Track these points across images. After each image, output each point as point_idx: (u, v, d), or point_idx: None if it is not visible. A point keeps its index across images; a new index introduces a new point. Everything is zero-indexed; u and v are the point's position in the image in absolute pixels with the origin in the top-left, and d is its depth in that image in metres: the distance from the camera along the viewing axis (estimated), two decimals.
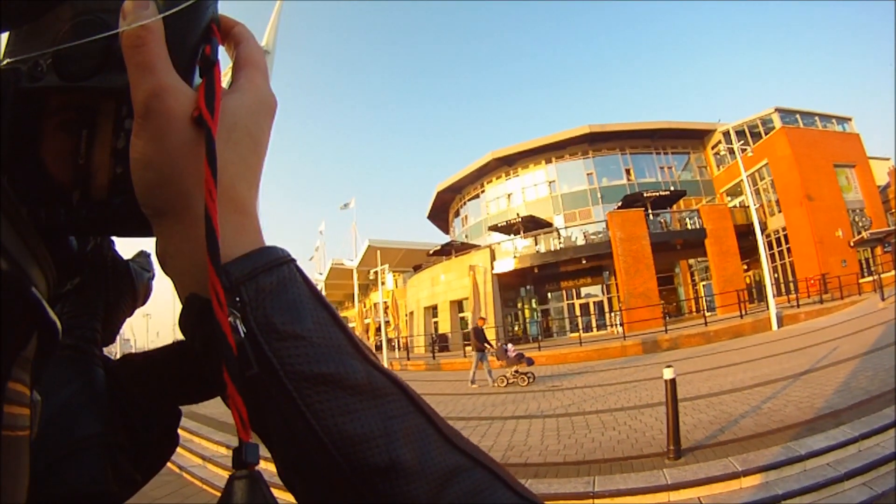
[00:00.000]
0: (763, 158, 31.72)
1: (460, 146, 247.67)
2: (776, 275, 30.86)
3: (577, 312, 32.62)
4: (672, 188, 32.97)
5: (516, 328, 34.72)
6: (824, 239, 28.70)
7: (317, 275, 47.16)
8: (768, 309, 20.08)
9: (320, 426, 0.35)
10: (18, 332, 0.29)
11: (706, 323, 21.81)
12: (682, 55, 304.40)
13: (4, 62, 0.41)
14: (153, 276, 0.64)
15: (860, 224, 29.94)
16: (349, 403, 0.36)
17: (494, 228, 34.04)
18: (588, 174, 36.22)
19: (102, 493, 0.43)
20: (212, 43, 0.45)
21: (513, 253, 31.46)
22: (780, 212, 31.66)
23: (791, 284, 28.07)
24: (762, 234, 22.64)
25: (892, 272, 25.01)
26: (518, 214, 33.13)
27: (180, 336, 0.43)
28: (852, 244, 29.40)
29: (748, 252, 29.12)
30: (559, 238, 31.23)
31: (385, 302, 32.09)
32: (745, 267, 31.22)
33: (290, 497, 0.41)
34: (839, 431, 6.18)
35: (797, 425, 6.60)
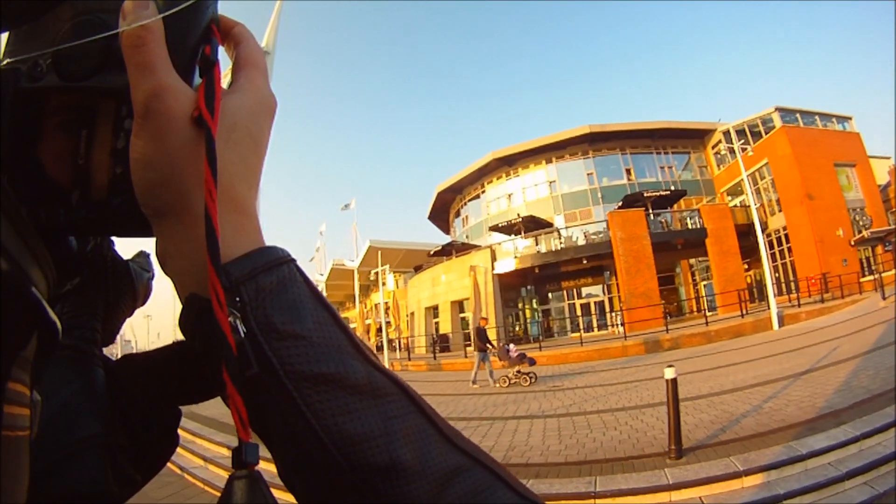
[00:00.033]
0: (763, 158, 31.71)
1: (460, 146, 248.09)
2: (777, 274, 30.86)
3: (578, 312, 32.60)
4: (672, 188, 32.93)
5: (517, 328, 34.72)
6: (825, 238, 28.68)
7: (318, 275, 47.25)
8: (769, 308, 20.07)
9: (320, 426, 0.35)
10: (18, 332, 0.29)
11: (707, 322, 21.80)
12: (682, 55, 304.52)
13: (4, 62, 0.41)
14: (153, 276, 0.64)
15: (861, 223, 29.92)
16: (349, 403, 0.36)
17: (495, 229, 34.01)
18: (588, 174, 36.21)
19: (102, 494, 0.43)
20: (212, 43, 0.45)
21: (513, 253, 31.44)
22: (780, 211, 31.65)
23: (792, 284, 28.04)
24: (763, 233, 22.65)
25: (893, 271, 25.02)
26: (518, 214, 33.11)
27: (181, 337, 0.43)
28: (853, 243, 29.39)
29: (749, 251, 29.12)
30: (560, 238, 31.21)
31: (386, 302, 32.08)
32: (746, 266, 31.21)
33: (290, 497, 0.41)
34: (840, 431, 6.18)
35: (798, 425, 6.59)
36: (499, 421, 9.61)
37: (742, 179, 24.64)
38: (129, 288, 0.59)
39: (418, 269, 40.29)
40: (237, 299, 0.37)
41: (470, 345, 26.27)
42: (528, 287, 34.49)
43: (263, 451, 0.37)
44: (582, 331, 28.16)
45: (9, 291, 0.28)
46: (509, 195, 38.97)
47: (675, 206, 33.04)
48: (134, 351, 0.54)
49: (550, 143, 36.00)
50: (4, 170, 0.40)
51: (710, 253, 29.04)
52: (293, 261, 0.41)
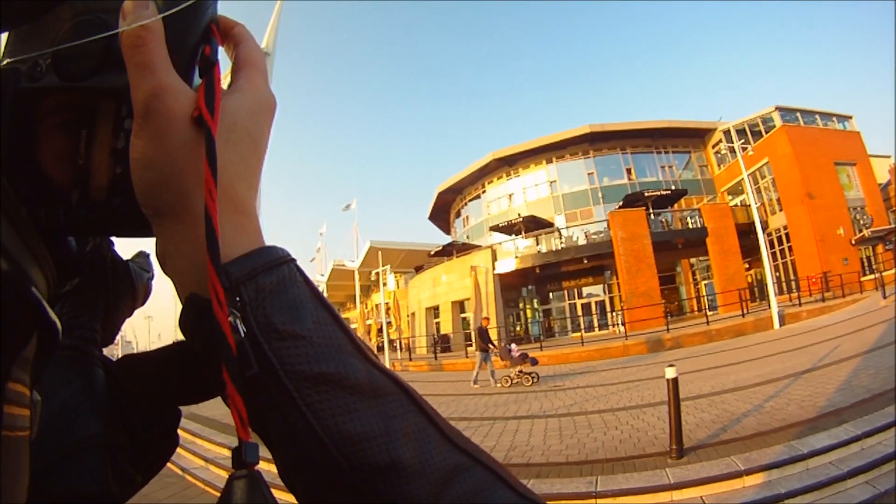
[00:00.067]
0: (764, 157, 31.71)
1: (461, 147, 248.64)
2: (778, 273, 30.86)
3: (579, 312, 32.61)
4: (673, 187, 32.89)
5: (518, 328, 34.74)
6: (825, 237, 28.67)
7: (318, 276, 47.38)
8: (770, 307, 20.05)
9: (320, 426, 0.35)
10: (18, 332, 0.29)
11: (708, 322, 21.80)
12: (682, 54, 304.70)
13: (4, 62, 0.41)
14: (152, 276, 0.64)
15: (861, 222, 29.90)
16: (349, 403, 0.36)
17: (496, 229, 34.01)
18: (589, 174, 36.19)
19: (102, 494, 0.43)
20: (211, 43, 0.45)
21: (514, 253, 31.43)
22: (781, 210, 31.64)
23: (793, 283, 28.01)
24: (763, 232, 22.64)
25: (894, 270, 25.02)
26: (519, 214, 33.11)
27: (181, 337, 0.43)
28: (853, 242, 29.37)
29: (749, 251, 29.12)
30: (560, 238, 31.20)
31: (387, 303, 32.06)
32: (747, 265, 31.19)
33: (290, 497, 0.41)
34: (841, 430, 6.18)
35: (799, 424, 6.59)
36: (500, 421, 9.61)
37: (742, 179, 24.61)
38: (128, 288, 0.59)
39: (419, 269, 40.32)
40: (237, 299, 0.37)
41: (471, 345, 26.28)
42: (529, 287, 34.50)
43: (263, 451, 0.37)
44: (583, 330, 28.16)
45: (9, 291, 0.27)
46: (510, 195, 38.96)
47: (676, 206, 33.05)
48: (135, 352, 0.54)
49: (551, 142, 35.99)
50: (4, 170, 0.40)
51: (710, 252, 29.04)
52: (293, 261, 0.41)
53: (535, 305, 35.15)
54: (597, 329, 31.12)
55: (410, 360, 28.42)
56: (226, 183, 0.40)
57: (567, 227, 33.00)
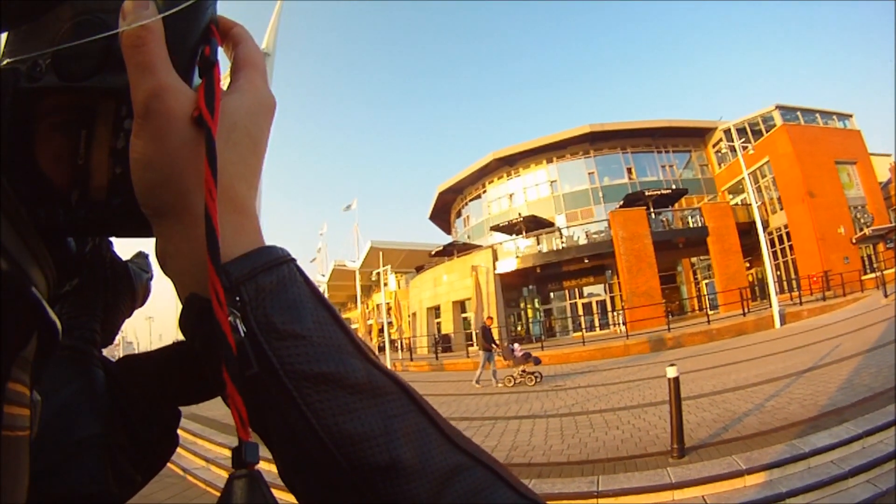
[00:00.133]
0: (764, 156, 31.67)
1: (461, 147, 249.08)
2: (778, 272, 30.83)
3: (580, 312, 32.56)
4: (674, 187, 32.87)
5: (519, 328, 34.72)
6: (826, 236, 28.63)
7: (319, 276, 47.41)
8: (771, 306, 20.04)
9: (320, 425, 0.35)
10: (18, 332, 0.29)
11: (709, 321, 21.81)
12: (682, 54, 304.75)
13: (4, 62, 0.41)
14: (152, 276, 0.64)
15: (862, 221, 29.85)
16: (349, 402, 0.36)
17: (496, 228, 33.98)
18: (589, 173, 36.16)
19: (102, 494, 0.43)
20: (211, 44, 0.45)
21: (515, 253, 31.41)
22: (781, 209, 31.59)
23: (793, 282, 27.96)
24: (764, 231, 22.61)
25: (895, 269, 24.97)
26: (520, 214, 33.06)
27: (182, 338, 0.43)
28: (854, 241, 29.33)
29: (750, 250, 29.10)
30: (561, 237, 31.15)
31: (388, 303, 32.07)
32: (748, 265, 31.16)
33: (290, 497, 0.41)
34: (843, 429, 6.17)
35: (801, 423, 6.59)
36: (501, 421, 9.61)
37: (743, 178, 24.62)
38: (128, 289, 0.59)
39: (420, 269, 40.32)
40: (237, 299, 0.37)
41: (472, 344, 26.28)
42: (530, 287, 34.47)
43: (263, 451, 0.37)
44: (584, 330, 28.16)
45: (9, 291, 0.28)
46: (510, 195, 38.94)
47: (677, 205, 33.05)
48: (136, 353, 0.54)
49: (551, 142, 35.96)
50: (4, 170, 0.40)
51: (711, 251, 29.03)
52: (293, 260, 0.41)
53: (536, 305, 35.11)
54: (598, 328, 31.16)
55: (412, 360, 28.42)
56: (226, 183, 0.40)
57: (568, 227, 32.95)
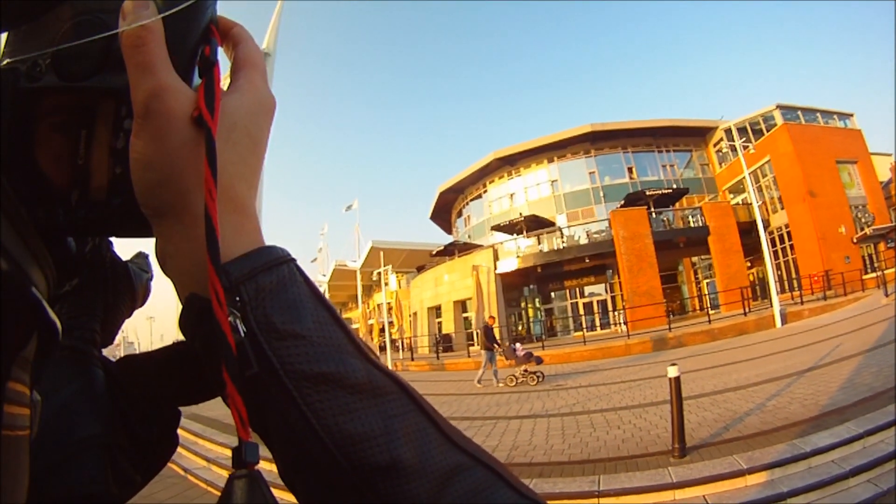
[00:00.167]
0: (765, 155, 31.65)
1: (462, 146, 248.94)
2: (779, 272, 30.79)
3: (581, 311, 32.56)
4: (674, 186, 32.89)
5: (520, 328, 34.74)
6: (827, 235, 28.60)
7: (320, 276, 47.41)
8: (772, 306, 20.02)
9: (320, 425, 0.35)
10: (18, 332, 0.29)
11: (710, 321, 21.81)
12: (683, 53, 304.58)
13: (4, 62, 0.41)
14: (151, 276, 0.64)
15: (863, 220, 29.82)
16: (349, 402, 0.36)
17: (497, 228, 34.00)
18: (590, 173, 36.14)
19: (102, 494, 0.43)
20: (211, 44, 0.45)
21: (516, 252, 31.43)
22: (782, 208, 31.56)
23: (794, 281, 27.96)
24: (765, 230, 22.59)
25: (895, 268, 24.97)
26: (521, 214, 33.11)
27: (182, 338, 0.43)
28: (855, 240, 29.30)
29: (751, 249, 29.08)
30: (562, 237, 31.16)
31: (389, 303, 32.08)
32: (749, 264, 31.15)
33: (290, 497, 0.41)
34: (844, 428, 6.17)
35: (802, 422, 6.59)
36: (502, 420, 9.62)
37: (744, 177, 24.59)
38: (128, 289, 0.59)
39: (421, 269, 40.36)
40: (237, 299, 0.37)
41: (473, 344, 26.27)
42: (531, 286, 34.46)
43: (263, 451, 0.37)
44: (585, 330, 28.10)
45: (9, 291, 0.27)
46: (511, 195, 38.92)
47: (678, 205, 33.08)
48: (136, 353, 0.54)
49: (552, 142, 35.94)
50: (4, 170, 0.40)
51: (712, 251, 29.04)
52: (293, 260, 0.41)
53: (537, 305, 35.09)
54: (599, 328, 31.16)
55: (412, 359, 28.43)
56: (226, 183, 0.40)
57: (568, 227, 32.95)
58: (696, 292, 33.92)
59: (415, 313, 38.25)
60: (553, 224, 33.53)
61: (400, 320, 34.09)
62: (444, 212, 47.58)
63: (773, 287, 20.09)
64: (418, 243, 48.55)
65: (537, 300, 34.98)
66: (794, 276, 29.68)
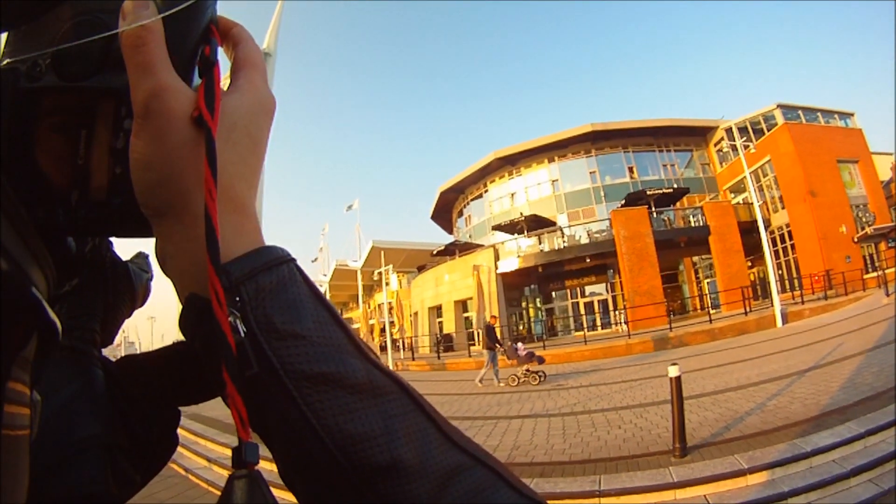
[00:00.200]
0: (766, 155, 31.64)
1: (463, 146, 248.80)
2: (780, 271, 30.77)
3: (582, 311, 32.58)
4: (675, 186, 32.88)
5: (521, 327, 34.70)
6: (828, 235, 28.58)
7: (321, 276, 47.43)
8: (773, 305, 19.99)
9: (321, 425, 0.35)
10: (18, 332, 0.29)
11: (711, 320, 21.81)
12: (683, 53, 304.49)
13: (4, 62, 0.41)
14: (151, 277, 0.64)
15: (864, 219, 29.79)
16: (350, 402, 0.36)
17: (498, 228, 34.01)
18: (591, 172, 36.15)
19: (102, 494, 0.43)
20: (211, 44, 0.45)
21: (517, 252, 31.44)
22: (783, 208, 31.55)
23: (795, 281, 27.91)
24: (766, 230, 22.55)
25: None
26: (521, 214, 33.09)
27: (182, 338, 0.43)
28: (856, 240, 29.28)
29: (752, 249, 29.04)
30: (563, 237, 31.17)
31: (389, 303, 32.12)
32: (750, 264, 31.14)
33: (290, 497, 0.41)
34: (845, 428, 6.17)
35: (803, 422, 6.58)
36: (503, 420, 9.62)
37: (745, 177, 24.54)
38: (128, 289, 0.59)
39: (421, 268, 40.39)
40: (237, 299, 0.37)
41: (474, 344, 26.26)
42: (532, 286, 34.45)
43: (264, 451, 0.37)
44: (586, 329, 28.08)
45: (9, 291, 0.27)
46: (512, 194, 38.94)
47: (678, 204, 33.10)
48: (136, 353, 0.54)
49: (553, 141, 35.96)
50: (4, 170, 0.40)
51: (713, 250, 29.04)
52: (293, 260, 0.41)
53: (538, 304, 35.09)
54: (600, 328, 31.13)
55: (413, 359, 28.42)
56: (225, 183, 0.40)
57: (569, 226, 32.98)
58: (697, 292, 33.92)
59: (415, 313, 38.26)
60: (554, 224, 33.54)
61: (401, 320, 34.09)
62: (445, 211, 47.59)
63: (773, 286, 20.06)
64: (419, 243, 48.56)
65: (538, 300, 34.98)
66: (794, 275, 29.66)
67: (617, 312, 30.42)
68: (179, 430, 0.55)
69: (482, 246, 34.10)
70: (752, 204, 24.11)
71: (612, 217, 29.02)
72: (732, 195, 34.50)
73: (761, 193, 31.50)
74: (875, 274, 26.26)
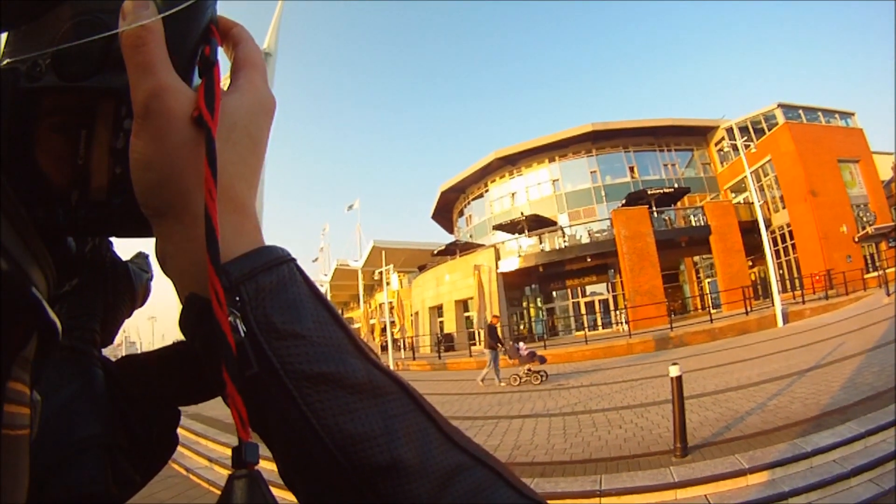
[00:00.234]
0: (767, 154, 31.60)
1: (463, 146, 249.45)
2: (781, 271, 30.72)
3: (583, 311, 32.56)
4: (676, 185, 32.89)
5: (522, 327, 34.68)
6: (829, 234, 28.55)
7: (322, 276, 47.42)
8: (774, 305, 19.98)
9: (321, 425, 0.35)
10: (18, 332, 0.29)
11: (711, 320, 21.77)
12: (684, 52, 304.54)
13: (4, 62, 0.41)
14: (151, 276, 0.64)
15: (865, 219, 29.77)
16: (350, 402, 0.36)
17: (499, 227, 34.02)
18: (592, 172, 36.13)
19: (102, 494, 0.43)
20: (211, 44, 0.45)
21: (517, 252, 31.44)
22: (784, 208, 31.52)
23: (796, 280, 27.88)
24: (767, 230, 22.52)
25: None
26: (522, 213, 33.11)
27: (182, 338, 0.43)
28: (857, 239, 29.25)
29: (753, 248, 29.01)
30: (564, 236, 31.17)
31: (390, 302, 32.12)
32: (750, 263, 31.13)
33: (290, 497, 0.41)
34: (845, 428, 6.16)
35: (803, 422, 6.58)
36: (504, 420, 9.62)
37: (745, 176, 24.52)
38: (128, 289, 0.59)
39: (422, 268, 40.37)
40: (237, 299, 0.37)
41: (475, 343, 26.24)
42: (533, 286, 34.43)
43: (264, 451, 0.37)
44: (586, 329, 28.10)
45: (9, 291, 0.27)
46: (513, 194, 38.94)
47: (679, 204, 33.08)
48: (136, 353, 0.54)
49: (553, 141, 35.93)
50: (4, 170, 0.40)
51: (714, 250, 29.04)
52: (293, 260, 0.41)
53: (539, 304, 35.08)
54: (600, 327, 31.09)
55: (414, 359, 28.41)
56: (225, 183, 0.40)
57: (570, 226, 32.96)
58: (698, 291, 33.85)
59: (416, 313, 38.24)
60: (555, 223, 33.54)
61: (401, 320, 34.10)
62: (446, 211, 47.58)
63: (774, 286, 20.05)
64: (420, 243, 48.54)
65: (539, 299, 34.98)
66: (795, 275, 29.62)
67: (618, 312, 30.42)
68: (180, 430, 0.55)
69: (483, 245, 34.10)
70: (752, 203, 24.15)
71: (613, 217, 29.02)
72: (733, 195, 34.48)
73: (762, 193, 31.52)
74: (876, 273, 26.24)
